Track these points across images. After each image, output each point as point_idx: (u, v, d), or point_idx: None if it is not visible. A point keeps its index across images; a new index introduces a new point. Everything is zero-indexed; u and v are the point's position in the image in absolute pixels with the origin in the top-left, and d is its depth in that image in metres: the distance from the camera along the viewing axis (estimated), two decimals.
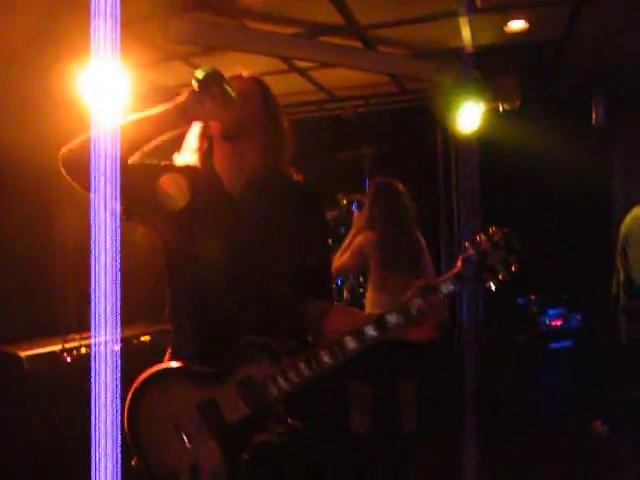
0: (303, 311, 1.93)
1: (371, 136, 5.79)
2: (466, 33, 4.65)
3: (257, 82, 2.09)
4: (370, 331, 1.72)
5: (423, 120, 5.69)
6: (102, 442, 1.84)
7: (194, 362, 1.85)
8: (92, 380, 1.88)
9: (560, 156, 5.21)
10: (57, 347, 3.96)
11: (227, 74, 1.85)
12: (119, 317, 1.91)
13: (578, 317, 5.11)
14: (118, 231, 1.79)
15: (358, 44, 4.83)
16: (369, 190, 4.03)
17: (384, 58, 4.95)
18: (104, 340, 1.94)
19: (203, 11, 4.25)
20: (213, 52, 4.90)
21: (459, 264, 1.76)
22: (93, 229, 1.93)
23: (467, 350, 4.79)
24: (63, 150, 1.81)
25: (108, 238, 1.95)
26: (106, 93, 4.25)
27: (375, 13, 4.39)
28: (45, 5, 3.98)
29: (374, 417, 3.88)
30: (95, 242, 1.77)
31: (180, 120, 1.85)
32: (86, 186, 1.75)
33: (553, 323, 5.11)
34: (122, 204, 1.84)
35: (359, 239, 3.85)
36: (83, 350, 3.98)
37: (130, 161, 1.82)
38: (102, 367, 1.89)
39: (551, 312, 5.16)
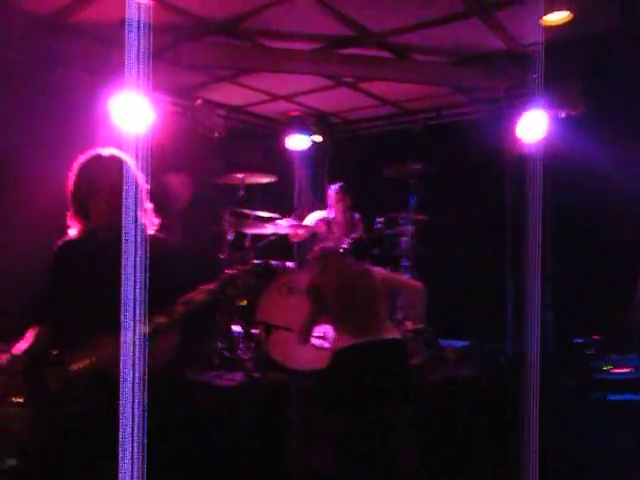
0: None
1: (436, 150, 5.40)
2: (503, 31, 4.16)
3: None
4: None
5: (493, 131, 5.16)
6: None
7: None
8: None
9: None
10: None
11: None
12: None
13: None
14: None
15: (387, 54, 4.56)
16: (314, 255, 3.81)
17: (418, 67, 4.61)
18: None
19: (217, 35, 4.37)
20: (256, 72, 5.01)
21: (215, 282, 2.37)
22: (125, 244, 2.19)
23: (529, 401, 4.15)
24: None
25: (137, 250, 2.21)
26: (140, 118, 4.57)
27: (388, 19, 4.12)
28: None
29: (345, 452, 3.59)
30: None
31: None
32: None
33: (614, 371, 4.21)
34: None
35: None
36: None
37: None
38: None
39: (615, 358, 4.27)
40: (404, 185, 5.42)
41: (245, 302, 4.81)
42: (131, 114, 4.40)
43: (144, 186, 2.31)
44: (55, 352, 2.29)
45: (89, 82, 4.55)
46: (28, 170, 4.38)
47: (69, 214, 2.39)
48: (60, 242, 2.43)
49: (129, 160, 2.31)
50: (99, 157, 2.37)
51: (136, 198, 2.26)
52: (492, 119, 5.26)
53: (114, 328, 2.10)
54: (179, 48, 4.36)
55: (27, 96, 4.44)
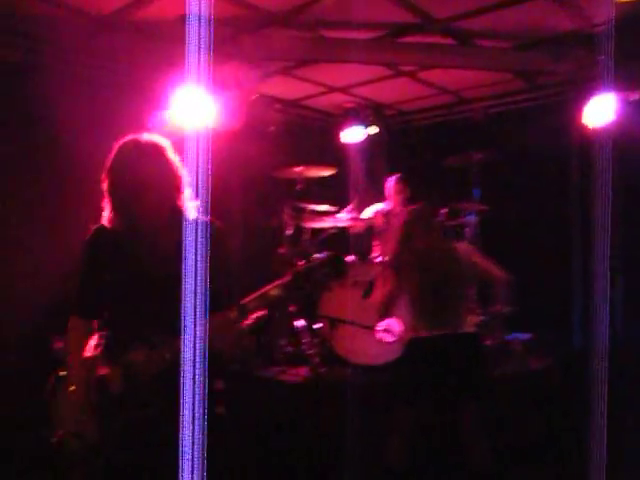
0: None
1: (497, 138, 5.27)
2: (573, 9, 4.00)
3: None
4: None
5: (556, 118, 4.99)
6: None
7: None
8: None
9: None
10: None
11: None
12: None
13: None
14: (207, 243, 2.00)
15: (449, 40, 4.44)
16: (401, 219, 3.58)
17: (483, 53, 4.48)
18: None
19: (277, 26, 4.32)
20: (312, 64, 4.95)
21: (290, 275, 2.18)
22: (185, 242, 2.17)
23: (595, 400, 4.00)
24: None
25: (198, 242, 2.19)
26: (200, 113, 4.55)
27: (452, 3, 4.00)
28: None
29: (416, 448, 3.51)
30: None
31: None
32: None
33: None
34: None
35: (383, 291, 3.52)
36: None
37: None
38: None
39: None
40: (463, 175, 5.30)
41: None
42: (191, 109, 4.39)
43: (183, 171, 2.20)
44: (101, 349, 2.21)
45: (149, 79, 4.56)
46: (92, 167, 4.42)
47: (103, 201, 2.24)
48: (92, 229, 2.29)
49: (168, 146, 2.21)
50: (135, 142, 2.22)
51: (174, 184, 2.18)
52: (556, 104, 5.10)
53: (163, 324, 2.03)
54: (239, 41, 4.33)
55: (90, 96, 4.47)
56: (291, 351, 4.80)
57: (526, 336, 5.27)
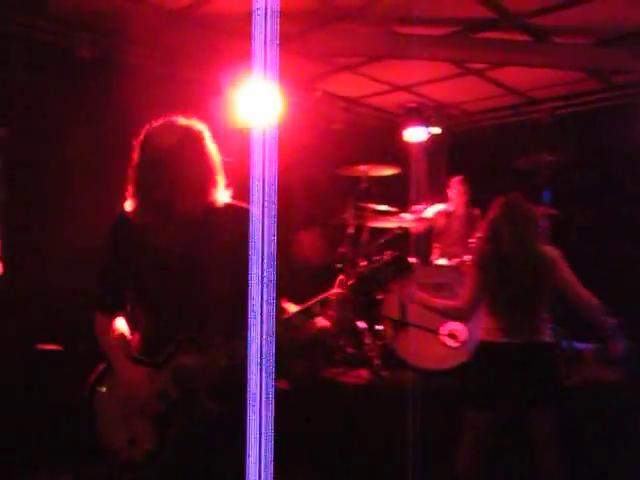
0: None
1: (565, 141, 5.09)
2: None
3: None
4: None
5: (631, 118, 4.79)
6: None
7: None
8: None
9: None
10: None
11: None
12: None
13: None
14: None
15: (525, 37, 4.30)
16: (490, 212, 3.34)
17: (560, 50, 4.32)
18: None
19: (347, 22, 4.25)
20: (378, 61, 4.86)
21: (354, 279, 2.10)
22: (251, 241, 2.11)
23: None
24: None
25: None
26: (265, 108, 4.52)
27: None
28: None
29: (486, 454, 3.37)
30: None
31: None
32: None
33: None
34: None
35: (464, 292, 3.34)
36: None
37: None
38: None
39: None
40: (531, 178, 5.12)
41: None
42: (258, 105, 4.34)
43: (218, 159, 2.00)
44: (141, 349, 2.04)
45: (217, 74, 4.55)
46: None
47: (129, 187, 1.97)
48: (115, 220, 2.06)
49: (205, 131, 1.98)
50: (170, 125, 1.94)
51: (211, 174, 1.97)
52: (631, 105, 4.88)
53: (209, 325, 1.94)
54: (308, 37, 4.28)
55: (157, 90, 4.48)
56: (352, 352, 4.71)
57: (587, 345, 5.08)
